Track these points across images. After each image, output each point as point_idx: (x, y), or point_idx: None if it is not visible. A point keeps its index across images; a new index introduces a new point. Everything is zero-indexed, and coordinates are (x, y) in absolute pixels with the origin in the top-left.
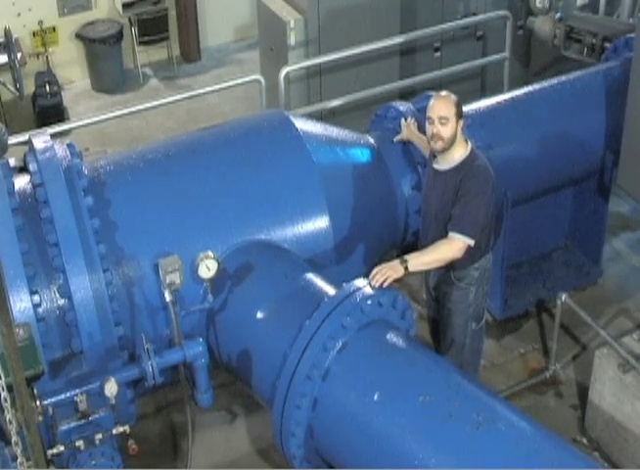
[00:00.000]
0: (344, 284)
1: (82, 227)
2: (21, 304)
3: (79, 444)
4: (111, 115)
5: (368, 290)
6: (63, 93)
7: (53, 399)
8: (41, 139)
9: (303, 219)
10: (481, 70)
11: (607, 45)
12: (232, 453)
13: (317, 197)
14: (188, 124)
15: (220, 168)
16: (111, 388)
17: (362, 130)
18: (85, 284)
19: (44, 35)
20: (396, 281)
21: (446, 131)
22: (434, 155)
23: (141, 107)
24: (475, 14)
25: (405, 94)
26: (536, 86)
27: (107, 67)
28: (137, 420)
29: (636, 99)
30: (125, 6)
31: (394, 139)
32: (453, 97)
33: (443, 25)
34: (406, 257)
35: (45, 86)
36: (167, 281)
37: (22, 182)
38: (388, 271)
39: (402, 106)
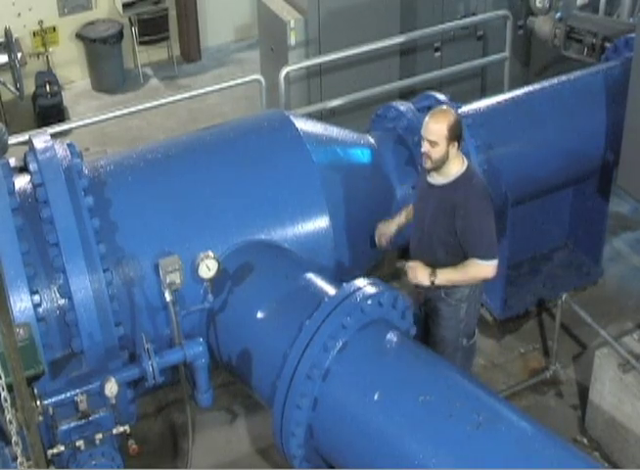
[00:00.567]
0: (345, 284)
1: (82, 227)
2: (21, 303)
3: (79, 443)
4: (111, 115)
5: (368, 290)
6: (63, 93)
7: (53, 399)
8: (41, 139)
9: (303, 219)
10: (482, 69)
11: (607, 45)
12: (232, 453)
13: (317, 197)
14: (188, 124)
15: (220, 168)
16: (111, 388)
17: (362, 130)
18: (85, 284)
19: (44, 35)
20: (396, 279)
21: (435, 153)
22: (423, 182)
23: (141, 107)
24: (475, 14)
25: (405, 94)
26: (537, 86)
27: (107, 67)
28: (137, 420)
29: (636, 99)
30: (126, 6)
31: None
32: (451, 117)
33: (443, 25)
34: (437, 271)
35: (45, 86)
36: (168, 281)
37: (22, 182)
38: (419, 275)
39: (402, 106)
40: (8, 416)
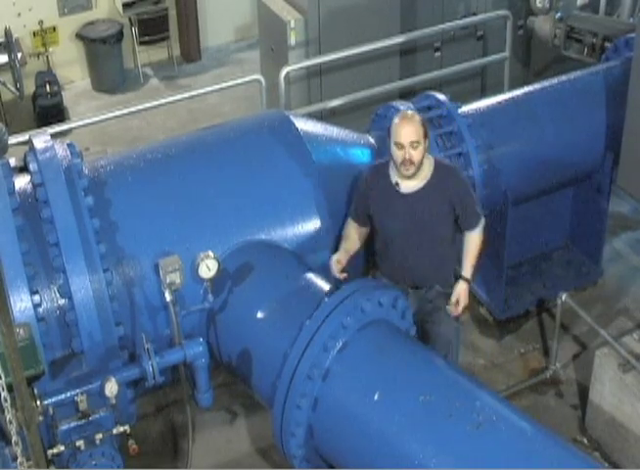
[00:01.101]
0: (345, 284)
1: (83, 227)
2: (21, 303)
3: (80, 443)
4: (111, 114)
5: (368, 290)
6: (63, 93)
7: (53, 399)
8: (41, 139)
9: (303, 219)
10: (482, 69)
11: (607, 45)
12: (232, 453)
13: (317, 197)
14: (188, 124)
15: (220, 168)
16: (111, 388)
17: (362, 130)
18: (86, 284)
19: (44, 35)
20: None
21: (418, 155)
22: (395, 183)
23: (141, 107)
24: (475, 14)
25: (405, 94)
26: (537, 86)
27: (107, 66)
28: (137, 420)
29: (636, 99)
30: (126, 6)
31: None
32: (418, 117)
33: (443, 25)
34: (463, 274)
35: (45, 86)
36: (168, 281)
37: (22, 182)
38: (464, 299)
39: (402, 106)
40: (8, 416)
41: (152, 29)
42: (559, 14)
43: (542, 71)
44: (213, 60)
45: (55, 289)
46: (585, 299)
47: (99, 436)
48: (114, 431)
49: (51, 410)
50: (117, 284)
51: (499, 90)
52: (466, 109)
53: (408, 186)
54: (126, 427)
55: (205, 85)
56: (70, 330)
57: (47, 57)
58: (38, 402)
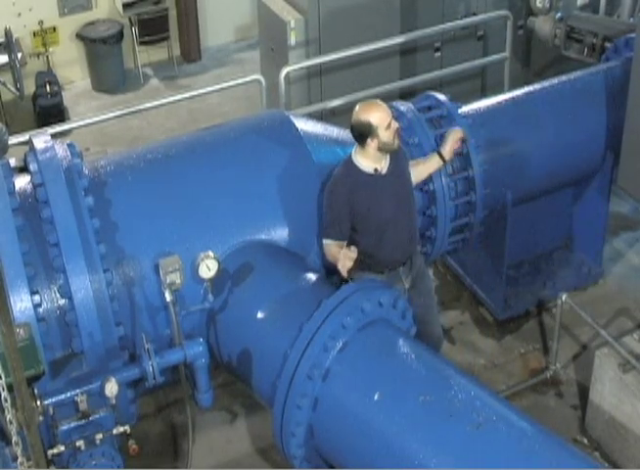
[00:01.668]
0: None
1: (83, 227)
2: (21, 303)
3: (80, 444)
4: (111, 115)
5: (368, 290)
6: (63, 93)
7: (53, 399)
8: (42, 139)
9: (303, 220)
10: (482, 69)
11: (607, 45)
12: (232, 453)
13: (317, 197)
14: (188, 124)
15: (221, 168)
16: (111, 388)
17: None
18: (86, 284)
19: (44, 35)
20: None
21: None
22: (370, 173)
23: (141, 107)
24: (475, 14)
25: (405, 94)
26: (537, 86)
27: (107, 67)
28: (138, 420)
29: (636, 99)
30: (126, 6)
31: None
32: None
33: (444, 25)
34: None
35: (45, 86)
36: (168, 281)
37: (22, 182)
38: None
39: (402, 106)
40: (8, 416)
41: (152, 29)
42: (559, 14)
43: (542, 71)
44: (213, 60)
45: (55, 289)
46: (585, 299)
47: (99, 436)
48: (115, 431)
49: (51, 410)
50: (118, 284)
51: (499, 90)
52: (466, 109)
53: (384, 167)
54: (126, 427)
55: (206, 85)
56: (71, 330)
57: (47, 57)
58: (38, 402)
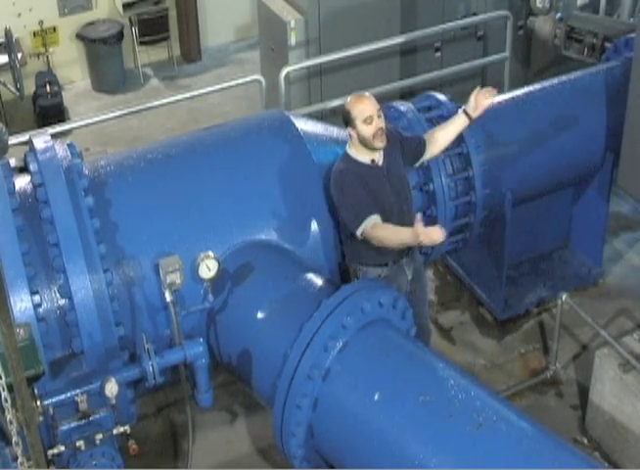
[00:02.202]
0: (345, 284)
1: (83, 227)
2: (21, 304)
3: (80, 444)
4: (111, 115)
5: (368, 290)
6: (63, 93)
7: (53, 400)
8: (42, 139)
9: (303, 220)
10: (482, 70)
11: (607, 45)
12: (232, 453)
13: (317, 197)
14: (188, 124)
15: (221, 168)
16: (111, 388)
17: None
18: (86, 284)
19: (45, 35)
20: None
21: (383, 123)
22: (368, 164)
23: (141, 107)
24: (475, 14)
25: (405, 94)
26: (537, 86)
27: (107, 67)
28: (138, 420)
29: (636, 99)
30: (126, 6)
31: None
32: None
33: (444, 25)
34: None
35: (45, 86)
36: (168, 281)
37: (22, 182)
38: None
39: (402, 106)
40: (8, 416)
41: (152, 29)
42: (559, 14)
43: (542, 71)
44: (213, 60)
45: (55, 289)
46: (585, 299)
47: (99, 436)
48: (115, 431)
49: (51, 410)
50: (118, 284)
51: (499, 90)
52: None
53: (379, 159)
54: (126, 427)
55: (206, 85)
56: (71, 330)
57: (47, 57)
58: (38, 403)
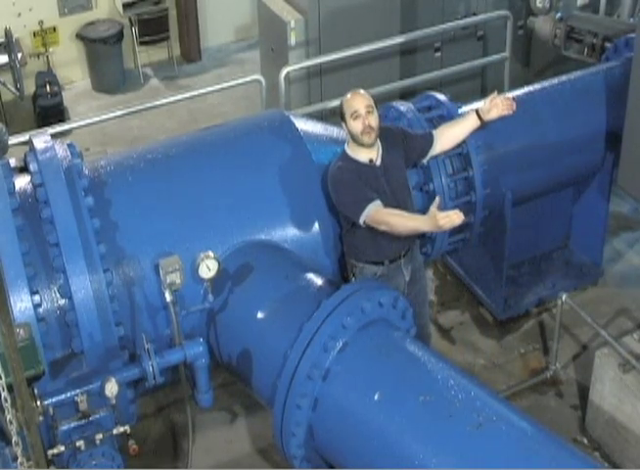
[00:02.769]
0: (345, 284)
1: (83, 227)
2: (21, 304)
3: (80, 444)
4: (111, 115)
5: (368, 290)
6: (63, 93)
7: (53, 400)
8: (42, 139)
9: (303, 219)
10: (482, 70)
11: (607, 45)
12: (232, 453)
13: (317, 197)
14: (188, 124)
15: (221, 168)
16: (111, 388)
17: None
18: (86, 284)
19: (44, 35)
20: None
21: (374, 120)
22: (366, 163)
23: (141, 107)
24: (475, 14)
25: (405, 94)
26: (537, 86)
27: (107, 67)
28: (138, 420)
29: (636, 99)
30: (126, 6)
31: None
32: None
33: (444, 25)
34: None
35: (45, 86)
36: (168, 281)
37: (22, 182)
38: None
39: (402, 106)
40: (8, 416)
41: (152, 29)
42: (559, 14)
43: (542, 71)
44: (213, 60)
45: (55, 289)
46: (585, 299)
47: (99, 436)
48: (115, 431)
49: (51, 410)
50: (118, 284)
51: (499, 90)
52: (466, 109)
53: (377, 158)
54: (126, 427)
55: (206, 85)
56: (71, 330)
57: (47, 57)
58: (38, 403)
